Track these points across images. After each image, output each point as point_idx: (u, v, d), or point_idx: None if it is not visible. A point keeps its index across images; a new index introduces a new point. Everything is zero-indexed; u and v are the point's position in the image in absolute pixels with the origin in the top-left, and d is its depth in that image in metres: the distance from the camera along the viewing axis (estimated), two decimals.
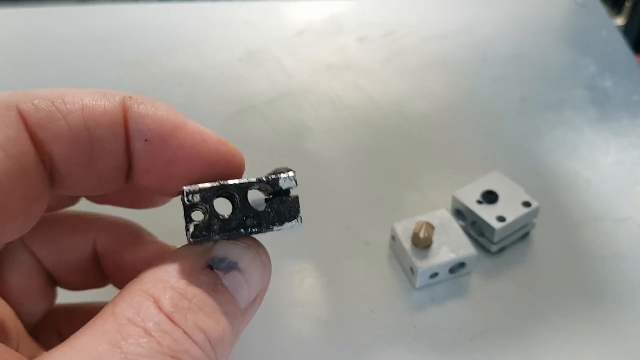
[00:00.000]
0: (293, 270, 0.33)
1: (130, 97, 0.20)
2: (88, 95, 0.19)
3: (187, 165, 0.20)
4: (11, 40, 0.48)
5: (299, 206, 0.20)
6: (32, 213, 0.19)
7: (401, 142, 0.41)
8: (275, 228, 0.19)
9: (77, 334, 0.17)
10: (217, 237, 0.19)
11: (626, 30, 0.64)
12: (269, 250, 0.21)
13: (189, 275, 0.18)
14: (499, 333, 0.31)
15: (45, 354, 0.16)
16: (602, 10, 0.52)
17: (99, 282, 0.25)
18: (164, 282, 0.18)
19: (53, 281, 0.25)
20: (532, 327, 0.31)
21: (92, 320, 0.17)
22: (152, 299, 0.17)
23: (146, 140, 0.20)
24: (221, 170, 0.20)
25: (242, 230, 0.19)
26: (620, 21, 0.65)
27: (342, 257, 0.34)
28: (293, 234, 0.35)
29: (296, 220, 0.19)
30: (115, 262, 0.24)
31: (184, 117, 0.20)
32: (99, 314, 0.17)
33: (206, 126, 0.21)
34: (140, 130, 0.20)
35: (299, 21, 0.50)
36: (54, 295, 0.25)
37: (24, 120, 0.18)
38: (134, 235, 0.25)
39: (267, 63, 0.46)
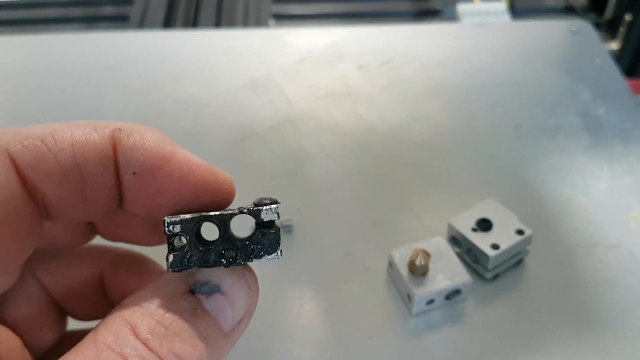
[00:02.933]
0: (293, 295, 0.34)
1: (120, 129, 0.20)
2: (78, 130, 0.20)
3: (175, 195, 0.20)
4: (18, 67, 0.50)
5: (279, 239, 0.20)
6: (24, 248, 0.20)
7: (399, 167, 0.42)
8: (254, 260, 0.20)
9: (60, 359, 0.17)
10: (195, 267, 0.19)
11: (620, 55, 0.65)
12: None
13: (168, 301, 0.19)
14: (494, 358, 0.31)
15: None
16: (595, 37, 0.53)
17: (108, 312, 0.26)
18: (143, 309, 0.18)
19: (62, 312, 0.25)
20: (526, 352, 0.32)
21: (74, 347, 0.18)
22: (129, 326, 0.18)
23: (134, 173, 0.20)
24: (210, 198, 0.21)
25: (221, 261, 0.19)
26: (614, 45, 0.66)
27: (341, 282, 0.35)
28: (293, 260, 0.36)
29: (275, 253, 0.20)
30: (122, 292, 0.25)
31: (174, 145, 0.21)
32: (82, 340, 0.18)
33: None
34: (129, 162, 0.20)
35: (300, 49, 0.51)
36: (63, 325, 0.25)
37: (14, 162, 0.19)
38: (140, 265, 0.26)
39: (269, 90, 0.47)
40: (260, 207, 0.20)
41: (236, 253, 0.20)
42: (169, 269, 0.19)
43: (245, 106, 0.46)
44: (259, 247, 0.20)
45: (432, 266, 0.33)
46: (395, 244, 0.34)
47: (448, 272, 0.32)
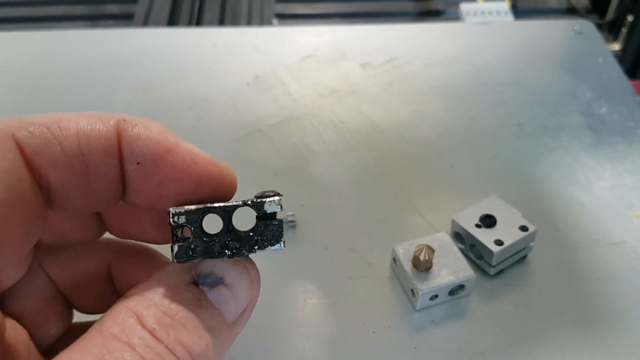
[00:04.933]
0: (297, 290, 0.34)
1: (124, 120, 0.20)
2: (83, 119, 0.20)
3: (178, 186, 0.21)
4: (23, 63, 0.50)
5: (282, 230, 0.20)
6: (30, 235, 0.20)
7: (402, 165, 0.42)
8: (257, 251, 0.20)
9: (67, 349, 0.17)
10: (200, 258, 0.20)
11: (622, 55, 0.65)
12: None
13: (173, 292, 0.19)
14: (497, 353, 0.31)
15: None
16: (598, 37, 0.53)
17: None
18: (148, 300, 0.18)
19: (69, 304, 0.25)
20: (529, 347, 0.32)
21: (80, 337, 0.18)
22: (135, 316, 0.18)
23: (138, 163, 0.20)
24: (212, 190, 0.21)
25: (225, 252, 0.20)
26: (616, 46, 0.67)
27: (345, 278, 0.35)
28: (297, 255, 0.36)
29: (279, 244, 0.20)
30: (130, 285, 0.25)
31: (177, 137, 0.21)
32: (88, 331, 0.18)
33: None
34: (133, 153, 0.20)
35: (304, 47, 0.51)
36: (69, 318, 0.25)
37: (20, 148, 0.19)
38: (148, 257, 0.26)
39: (273, 87, 0.48)
40: (263, 199, 0.20)
41: (240, 244, 0.20)
42: (174, 259, 0.20)
43: (250, 103, 0.46)
44: (262, 238, 0.20)
45: (436, 261, 0.33)
46: (398, 240, 0.34)
47: (452, 267, 0.33)
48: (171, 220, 0.20)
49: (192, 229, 0.20)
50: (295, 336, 0.32)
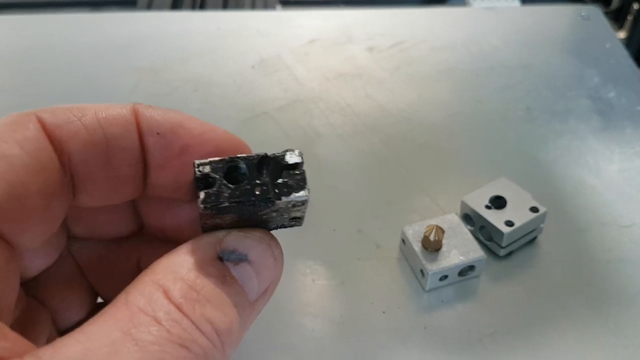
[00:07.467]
0: (306, 271, 0.34)
1: (140, 104, 0.21)
2: (101, 105, 0.21)
3: (199, 152, 0.21)
4: (29, 46, 0.49)
5: (305, 178, 0.20)
6: (52, 209, 0.20)
7: (410, 148, 0.42)
8: (283, 198, 0.20)
9: (90, 321, 0.17)
10: (226, 203, 0.19)
11: (628, 44, 0.65)
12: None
13: (198, 266, 0.19)
14: (506, 334, 0.31)
15: (58, 339, 0.16)
16: (605, 22, 0.53)
17: None
18: (174, 273, 0.18)
19: (95, 294, 0.25)
20: (539, 328, 0.32)
21: (104, 309, 0.18)
22: (162, 290, 0.18)
23: (158, 134, 0.21)
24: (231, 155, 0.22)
25: (252, 199, 0.19)
26: (622, 34, 0.66)
27: (353, 259, 0.35)
28: (306, 237, 0.36)
29: (303, 191, 0.20)
30: None
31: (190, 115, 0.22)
32: (112, 302, 0.18)
33: None
34: (151, 125, 0.21)
35: (310, 30, 0.51)
36: (93, 303, 0.25)
37: (42, 123, 0.20)
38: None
39: (278, 71, 0.47)
40: (284, 152, 0.20)
41: (266, 191, 0.20)
42: (200, 205, 0.19)
43: (255, 86, 0.46)
44: (287, 186, 0.20)
45: (446, 242, 0.32)
46: (407, 222, 0.34)
47: (462, 248, 0.32)
48: (196, 169, 0.19)
49: (217, 177, 0.20)
50: (305, 316, 0.32)
